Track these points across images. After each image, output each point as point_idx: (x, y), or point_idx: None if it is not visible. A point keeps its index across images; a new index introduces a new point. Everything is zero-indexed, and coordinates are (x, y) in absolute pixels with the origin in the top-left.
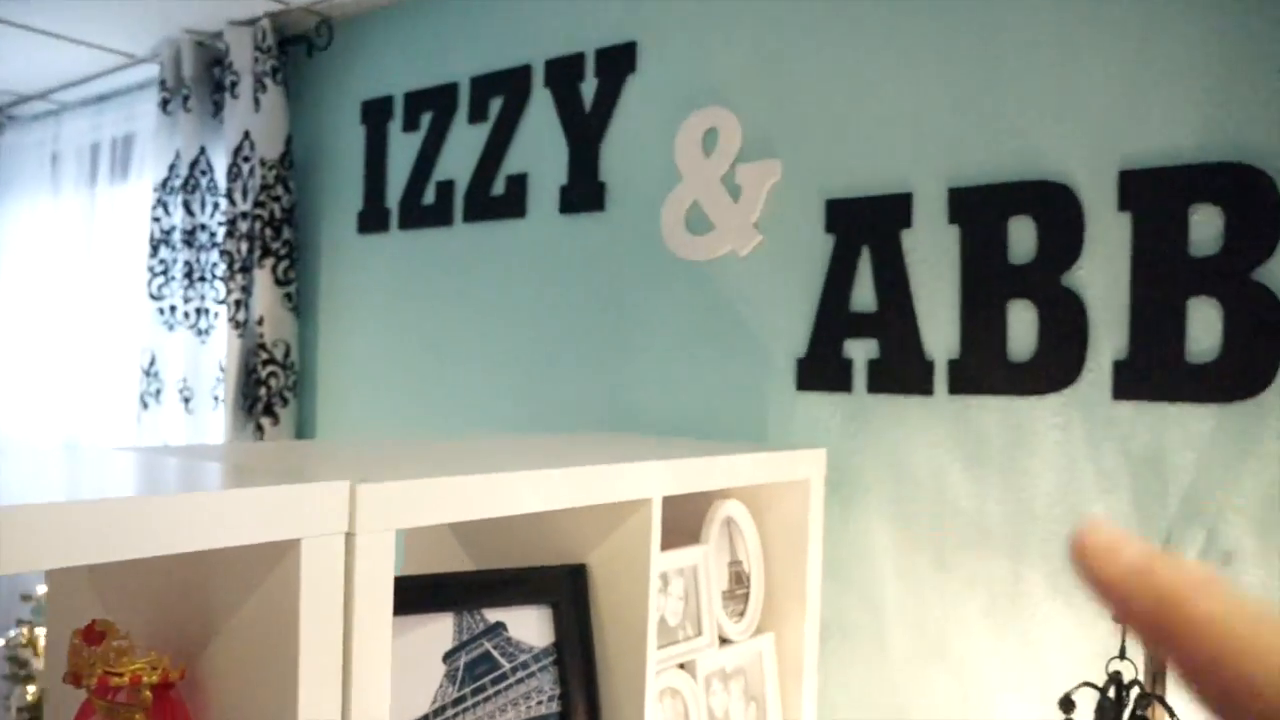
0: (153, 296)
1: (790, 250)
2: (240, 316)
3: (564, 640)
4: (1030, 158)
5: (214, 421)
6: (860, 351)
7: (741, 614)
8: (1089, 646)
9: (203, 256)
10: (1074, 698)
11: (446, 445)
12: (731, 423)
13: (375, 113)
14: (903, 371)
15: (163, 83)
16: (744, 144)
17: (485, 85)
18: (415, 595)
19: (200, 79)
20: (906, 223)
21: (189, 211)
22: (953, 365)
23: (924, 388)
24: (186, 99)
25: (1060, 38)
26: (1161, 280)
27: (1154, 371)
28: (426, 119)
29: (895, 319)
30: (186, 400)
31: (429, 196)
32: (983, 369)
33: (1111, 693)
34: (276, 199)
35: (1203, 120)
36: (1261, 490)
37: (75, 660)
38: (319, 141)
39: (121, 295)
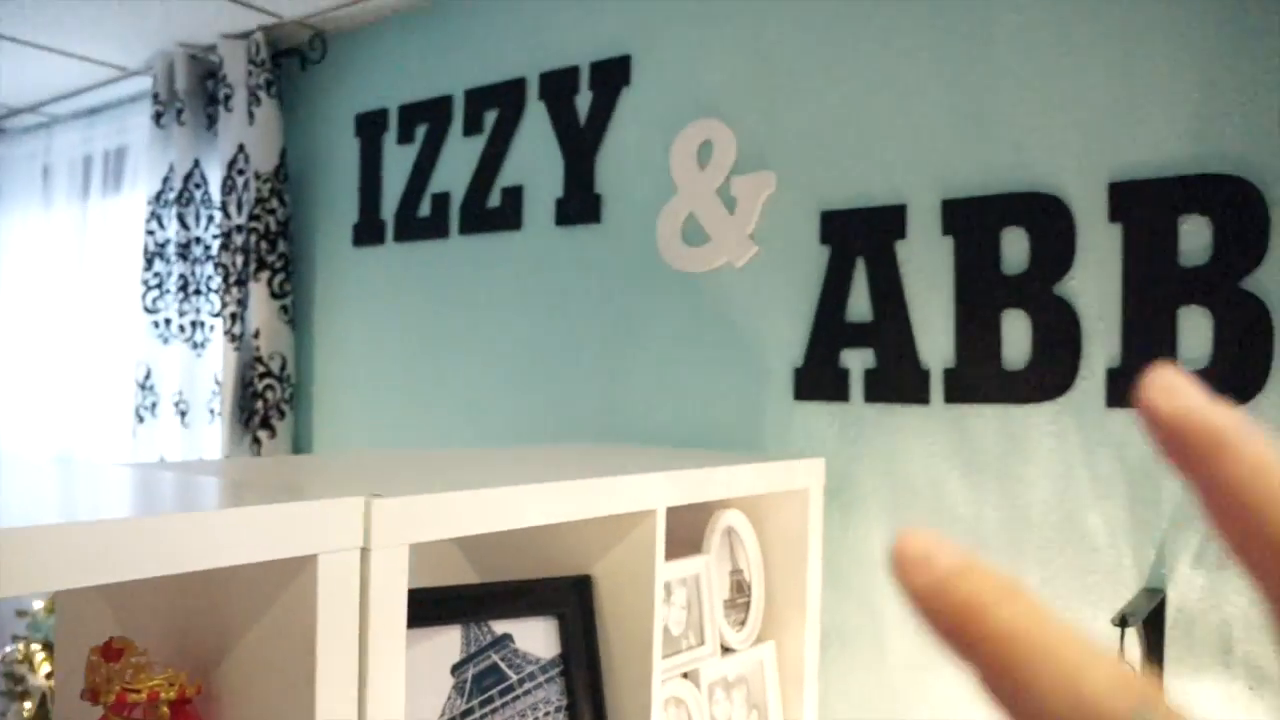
0: (147, 310)
1: (786, 261)
2: (236, 329)
3: (570, 651)
4: (1022, 170)
5: (210, 435)
6: (857, 361)
7: (743, 623)
8: None
9: (197, 269)
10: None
11: (451, 458)
12: (730, 433)
13: (369, 125)
14: (899, 381)
15: (156, 96)
16: (739, 156)
17: (480, 98)
18: (423, 608)
19: (194, 92)
20: (901, 234)
21: (183, 225)
22: (948, 374)
23: (920, 397)
24: (180, 112)
25: (1051, 52)
26: (1152, 290)
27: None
28: (421, 131)
29: (891, 329)
30: (183, 414)
31: (424, 209)
32: (978, 378)
33: None
34: (271, 212)
35: (1191, 133)
36: None
37: (93, 677)
38: (313, 154)
39: (116, 308)
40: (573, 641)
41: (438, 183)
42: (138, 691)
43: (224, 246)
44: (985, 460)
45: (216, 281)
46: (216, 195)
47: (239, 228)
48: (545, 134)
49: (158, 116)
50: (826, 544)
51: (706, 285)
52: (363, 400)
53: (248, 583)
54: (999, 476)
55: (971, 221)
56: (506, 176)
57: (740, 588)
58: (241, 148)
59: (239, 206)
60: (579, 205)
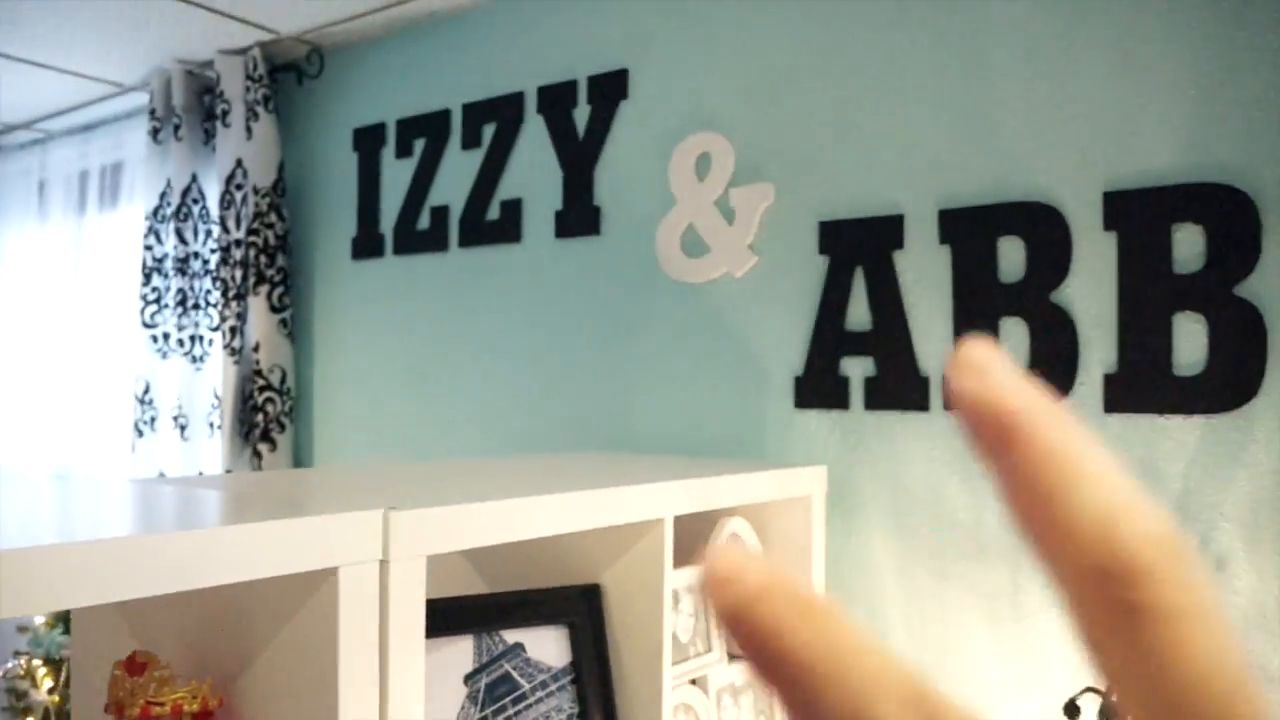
0: (146, 324)
1: (785, 271)
2: (236, 343)
3: (581, 659)
4: (1018, 180)
5: (209, 449)
6: (857, 369)
7: None
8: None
9: (196, 284)
10: (1079, 703)
11: (460, 469)
12: (731, 441)
13: (367, 139)
14: (899, 388)
15: (153, 111)
16: (737, 168)
17: (478, 112)
18: (436, 619)
19: (191, 108)
20: (899, 244)
21: (181, 239)
22: (947, 382)
23: (920, 403)
24: (177, 128)
25: (1046, 63)
26: (1147, 296)
27: (1143, 385)
28: (419, 145)
29: (890, 337)
30: (182, 428)
31: (423, 222)
32: None
33: (1113, 697)
34: (270, 226)
35: (1184, 142)
36: (1250, 498)
37: (116, 691)
38: (311, 168)
39: (113, 323)
40: (583, 649)
41: (436, 196)
42: (161, 704)
43: (223, 261)
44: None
45: (215, 296)
46: (215, 210)
47: (238, 242)
48: (544, 147)
49: (155, 132)
50: (829, 550)
51: (706, 295)
52: (363, 413)
53: (268, 596)
54: None
55: (968, 231)
56: (505, 189)
57: None
58: (239, 162)
59: (237, 221)
60: (578, 217)
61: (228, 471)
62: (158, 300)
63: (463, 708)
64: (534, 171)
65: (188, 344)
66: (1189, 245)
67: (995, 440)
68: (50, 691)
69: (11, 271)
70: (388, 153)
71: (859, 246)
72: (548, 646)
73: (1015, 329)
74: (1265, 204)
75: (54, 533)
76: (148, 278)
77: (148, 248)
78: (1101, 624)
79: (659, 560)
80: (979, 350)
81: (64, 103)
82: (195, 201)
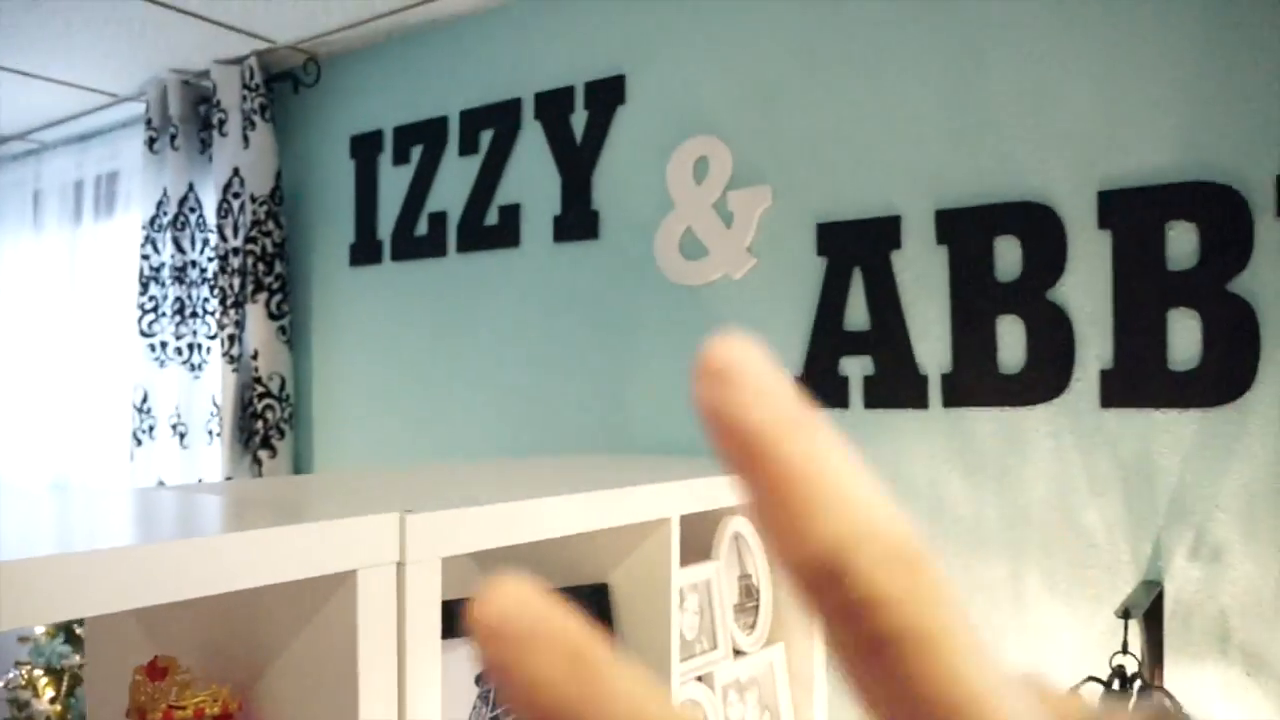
0: (143, 333)
1: (784, 273)
2: (235, 351)
3: None
4: (1013, 180)
5: (209, 456)
6: (856, 369)
7: (752, 626)
8: (1087, 643)
9: (194, 292)
10: (1080, 693)
11: (469, 472)
12: None
13: (364, 147)
14: (898, 386)
15: (149, 121)
16: (734, 171)
17: (475, 118)
18: (448, 620)
19: (187, 117)
20: (896, 244)
21: (179, 248)
22: (946, 379)
23: (919, 402)
24: (174, 137)
25: (1040, 66)
26: (1142, 293)
27: (1139, 380)
28: (417, 152)
29: (888, 336)
30: (181, 436)
31: (421, 228)
32: (975, 382)
33: (1115, 685)
34: (268, 234)
35: (1177, 142)
36: (1245, 489)
37: (138, 696)
38: (308, 176)
39: (111, 332)
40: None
41: (434, 202)
42: (183, 708)
43: (221, 269)
44: (984, 461)
45: (213, 304)
46: (212, 219)
47: (235, 250)
48: (542, 153)
49: (151, 142)
50: None
51: (705, 297)
52: (363, 418)
53: (285, 599)
54: (998, 477)
55: (965, 231)
56: (503, 195)
57: (749, 592)
58: (236, 171)
59: (235, 229)
60: (577, 222)
61: (228, 479)
62: (155, 309)
63: (474, 708)
64: (532, 177)
65: (186, 352)
66: (1182, 243)
67: (737, 457)
68: (52, 701)
69: (7, 282)
70: (385, 160)
71: (857, 247)
72: None
73: (1012, 327)
74: (1256, 201)
75: (79, 541)
76: (145, 287)
77: (145, 257)
78: (850, 651)
79: (666, 559)
80: (724, 353)
81: (59, 113)
82: (192, 210)
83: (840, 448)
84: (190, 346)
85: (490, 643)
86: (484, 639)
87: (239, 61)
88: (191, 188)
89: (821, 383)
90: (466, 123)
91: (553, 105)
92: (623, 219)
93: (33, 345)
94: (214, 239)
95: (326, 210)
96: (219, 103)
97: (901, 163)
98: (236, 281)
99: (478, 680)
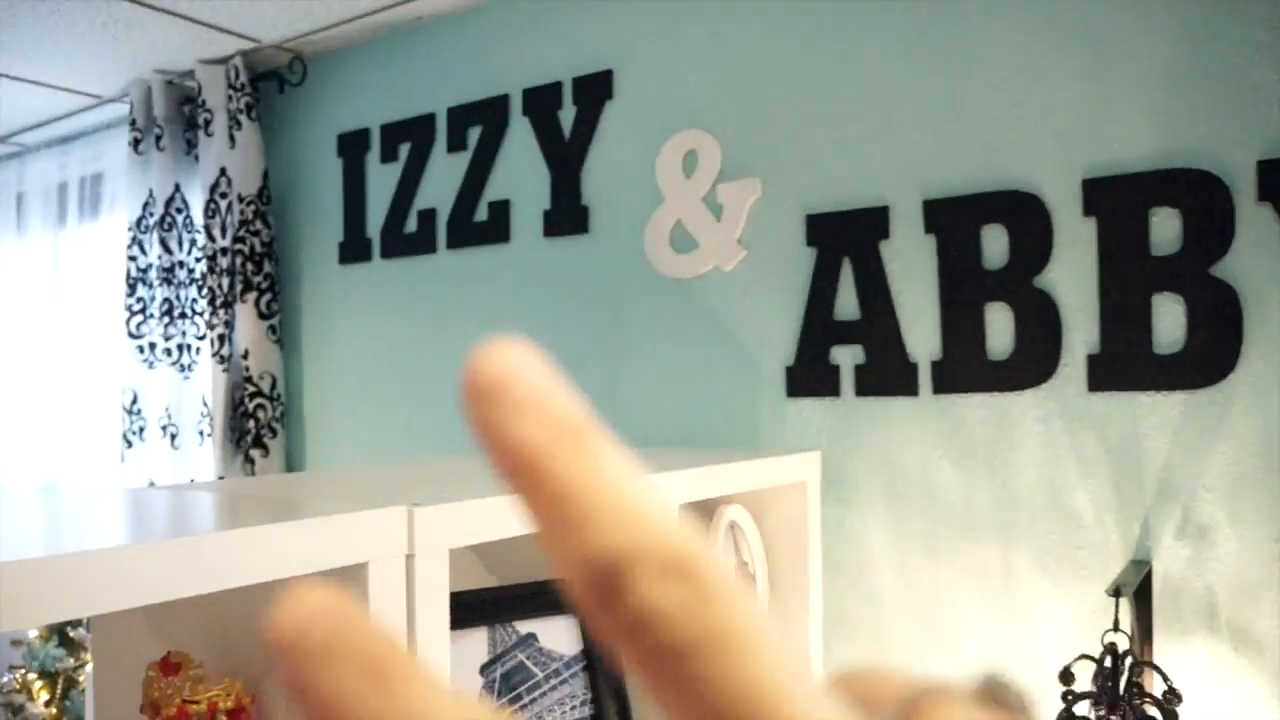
0: (131, 335)
1: (774, 264)
2: (225, 351)
3: (592, 647)
4: (999, 169)
5: (200, 457)
6: (847, 357)
7: None
8: (1078, 622)
9: (182, 293)
10: (1073, 670)
11: (467, 466)
12: (725, 431)
13: (352, 145)
14: (888, 374)
15: (133, 122)
16: (723, 164)
17: (463, 115)
18: (452, 611)
19: (172, 118)
20: (885, 234)
21: (166, 249)
22: (936, 366)
23: (909, 389)
24: (159, 138)
25: (1023, 55)
26: (1127, 279)
27: (1125, 364)
28: (404, 150)
29: (878, 325)
30: (172, 437)
31: (411, 225)
32: (964, 369)
33: (1108, 663)
34: (256, 234)
35: (1159, 129)
36: (1231, 469)
37: (151, 691)
38: (296, 175)
39: (98, 334)
40: (594, 638)
41: (423, 199)
42: (197, 703)
43: (210, 269)
44: (974, 447)
45: (202, 304)
46: (199, 219)
47: (224, 250)
48: (530, 148)
49: (136, 143)
50: (825, 534)
51: (696, 290)
52: (355, 417)
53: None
54: (988, 461)
55: (952, 220)
56: (493, 191)
57: (745, 579)
58: (223, 171)
59: (223, 229)
60: (567, 216)
61: (220, 479)
62: (143, 310)
63: (480, 698)
64: (521, 172)
65: (175, 353)
66: (1166, 228)
67: (510, 474)
68: (47, 704)
69: None
70: (372, 158)
71: (846, 238)
72: (559, 635)
73: (1000, 314)
74: (1238, 187)
75: (90, 540)
76: (132, 288)
77: (131, 258)
78: (641, 666)
79: None
80: (491, 364)
81: (41, 115)
82: (179, 211)
83: (616, 457)
84: (179, 347)
85: (286, 656)
86: (280, 652)
87: (224, 61)
88: (178, 188)
89: (813, 371)
90: (454, 120)
91: (540, 101)
92: (613, 213)
93: (19, 349)
94: (202, 239)
95: (315, 209)
96: (204, 103)
97: (889, 154)
98: (225, 281)
99: (482, 670)
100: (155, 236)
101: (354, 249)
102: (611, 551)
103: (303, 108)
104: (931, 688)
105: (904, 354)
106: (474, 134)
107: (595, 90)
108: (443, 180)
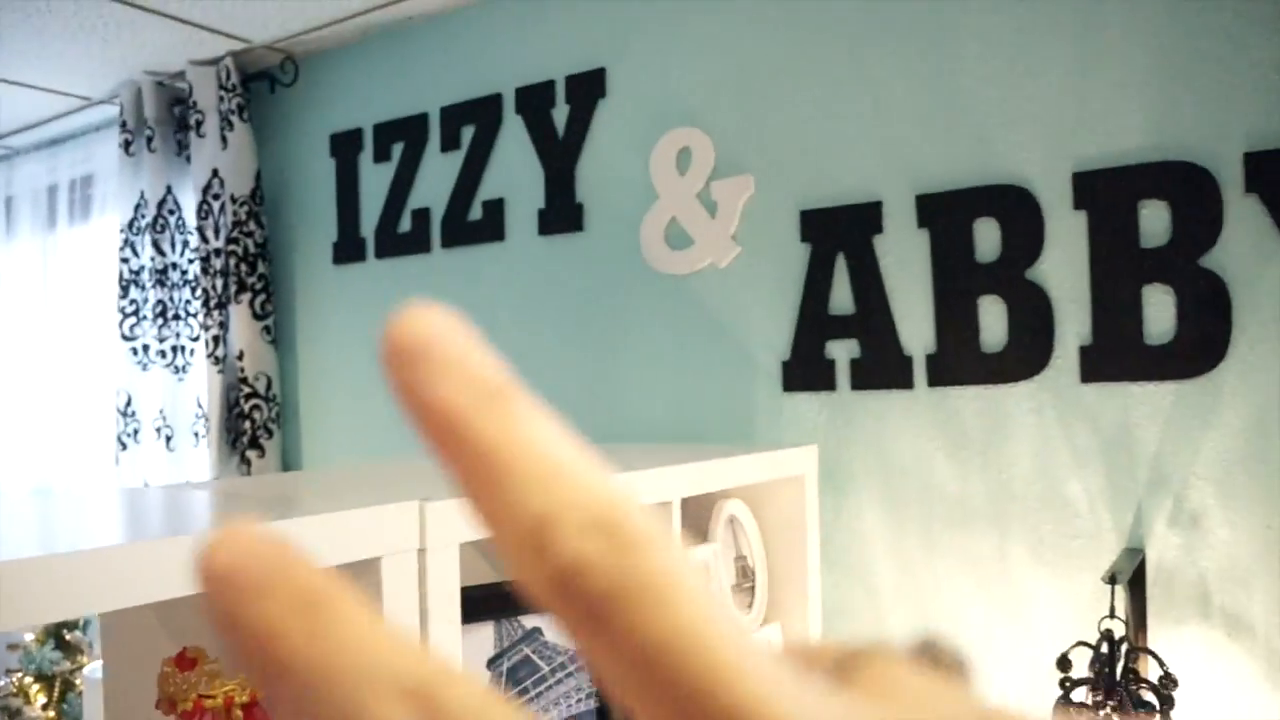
0: (125, 337)
1: (768, 260)
2: (219, 352)
3: None
4: (990, 163)
5: (195, 458)
6: (842, 351)
7: (749, 606)
8: (1073, 610)
9: (175, 295)
10: (1070, 656)
11: None
12: (722, 426)
13: (345, 145)
14: (883, 368)
15: (124, 124)
16: (717, 161)
17: (456, 115)
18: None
19: (163, 119)
20: (878, 229)
21: (159, 251)
22: (930, 359)
23: (904, 382)
24: (150, 139)
25: (1015, 51)
26: (1117, 271)
27: (1116, 354)
28: (397, 149)
29: (873, 319)
30: (167, 439)
31: (405, 224)
32: (958, 361)
33: (1104, 649)
34: (249, 234)
35: (1147, 123)
36: (1221, 457)
37: (167, 686)
38: (288, 176)
39: (91, 336)
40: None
41: (417, 199)
42: (213, 697)
43: (203, 270)
44: (969, 438)
45: (195, 306)
46: (191, 220)
47: (217, 251)
48: (524, 147)
49: (126, 145)
50: (823, 527)
51: (692, 286)
52: (351, 416)
53: None
54: (983, 453)
55: (945, 214)
56: (487, 190)
57: (745, 573)
58: (215, 172)
59: (216, 230)
60: (561, 214)
61: (216, 479)
62: (136, 312)
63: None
64: (515, 171)
65: (169, 355)
66: (1155, 221)
67: (433, 437)
68: (44, 708)
69: None
70: (365, 157)
71: (839, 233)
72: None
73: (993, 307)
74: (1225, 179)
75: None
76: (125, 290)
77: (124, 260)
78: (567, 621)
79: None
80: (410, 327)
81: (30, 118)
82: (171, 212)
83: (538, 416)
84: (173, 349)
85: (218, 591)
86: (211, 587)
87: (215, 62)
88: (170, 190)
89: (808, 366)
90: (447, 119)
91: (534, 100)
92: (607, 211)
93: (11, 352)
94: (194, 240)
95: (308, 209)
96: (195, 104)
97: (881, 149)
98: (219, 283)
99: (489, 664)
100: (148, 238)
101: (348, 249)
102: (535, 509)
103: (295, 108)
104: (867, 647)
105: (898, 347)
106: (467, 133)
107: (588, 88)
108: (436, 179)
